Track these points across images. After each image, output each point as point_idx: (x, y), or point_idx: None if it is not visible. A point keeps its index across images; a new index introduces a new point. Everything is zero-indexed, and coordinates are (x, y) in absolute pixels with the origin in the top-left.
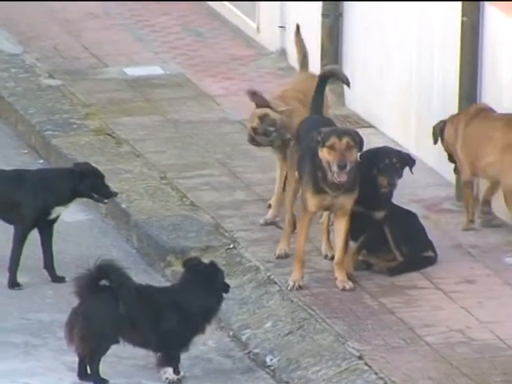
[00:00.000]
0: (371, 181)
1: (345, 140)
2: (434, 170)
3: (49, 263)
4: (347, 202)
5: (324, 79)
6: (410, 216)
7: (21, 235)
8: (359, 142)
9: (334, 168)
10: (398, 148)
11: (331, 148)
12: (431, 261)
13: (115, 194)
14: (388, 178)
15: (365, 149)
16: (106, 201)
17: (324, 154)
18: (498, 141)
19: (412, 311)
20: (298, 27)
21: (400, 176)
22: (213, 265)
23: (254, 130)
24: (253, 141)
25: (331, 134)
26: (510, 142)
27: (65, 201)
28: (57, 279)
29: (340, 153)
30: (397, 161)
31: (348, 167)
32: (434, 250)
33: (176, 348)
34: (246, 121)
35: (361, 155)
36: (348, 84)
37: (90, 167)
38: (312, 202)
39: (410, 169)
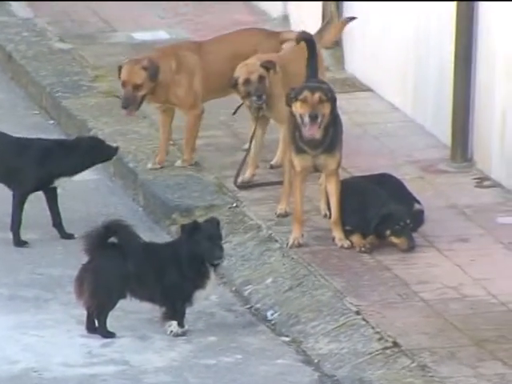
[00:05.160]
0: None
1: (317, 94)
2: (430, 133)
3: (57, 221)
4: (329, 162)
5: (308, 43)
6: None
7: (19, 199)
8: (332, 98)
9: (306, 120)
10: (396, 111)
11: (303, 101)
12: None
13: (116, 149)
14: (408, 241)
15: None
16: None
17: (297, 108)
18: None
19: (407, 268)
20: None
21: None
22: (212, 220)
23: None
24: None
25: (304, 89)
26: None
27: (71, 172)
28: (66, 236)
29: (311, 105)
30: (410, 221)
31: (319, 119)
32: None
33: (178, 302)
34: None
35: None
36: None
37: (89, 138)
38: (296, 161)
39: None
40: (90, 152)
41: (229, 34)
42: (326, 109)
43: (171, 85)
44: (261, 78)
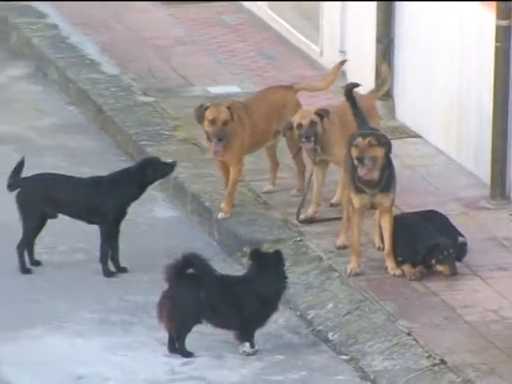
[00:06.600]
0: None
1: (367, 139)
2: (472, 174)
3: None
4: (384, 200)
5: (349, 94)
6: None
7: (105, 234)
8: (384, 143)
9: (356, 162)
10: (441, 155)
11: (356, 146)
12: None
13: (175, 164)
14: (451, 268)
15: (412, 158)
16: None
17: (352, 152)
18: None
19: (453, 294)
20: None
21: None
22: (277, 253)
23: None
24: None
25: (358, 135)
26: None
27: (138, 195)
28: (120, 269)
29: (360, 149)
30: (453, 251)
31: (366, 161)
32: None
33: (254, 327)
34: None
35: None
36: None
37: (144, 159)
38: (355, 200)
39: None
40: (147, 172)
41: (260, 95)
42: (376, 152)
43: (232, 134)
44: (312, 123)
